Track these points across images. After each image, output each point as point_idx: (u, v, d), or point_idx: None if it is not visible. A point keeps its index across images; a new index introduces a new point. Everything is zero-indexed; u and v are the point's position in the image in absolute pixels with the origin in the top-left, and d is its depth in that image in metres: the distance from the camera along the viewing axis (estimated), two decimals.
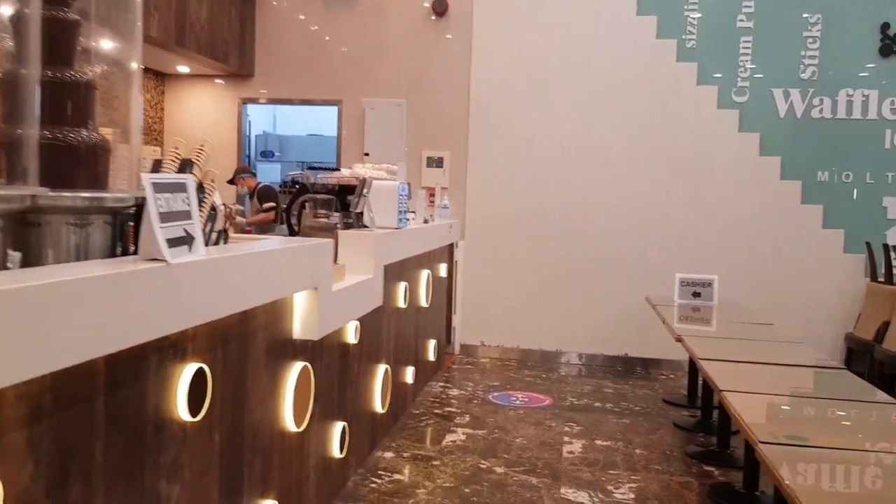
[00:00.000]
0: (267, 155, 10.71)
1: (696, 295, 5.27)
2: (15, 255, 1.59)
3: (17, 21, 1.64)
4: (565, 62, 6.46)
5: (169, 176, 1.78)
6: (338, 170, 4.53)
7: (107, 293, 1.45)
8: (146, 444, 1.74)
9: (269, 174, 9.45)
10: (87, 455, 1.52)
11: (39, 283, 1.28)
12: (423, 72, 6.88)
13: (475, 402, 5.09)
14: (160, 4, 5.60)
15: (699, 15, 6.29)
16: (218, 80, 7.38)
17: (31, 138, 1.51)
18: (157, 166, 2.13)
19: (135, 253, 1.97)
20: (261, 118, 10.19)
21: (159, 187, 1.67)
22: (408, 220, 4.41)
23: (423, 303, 5.05)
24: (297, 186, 4.05)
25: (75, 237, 1.80)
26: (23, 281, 1.27)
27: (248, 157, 8.22)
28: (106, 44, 1.95)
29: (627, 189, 6.38)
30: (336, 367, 3.21)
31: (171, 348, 1.82)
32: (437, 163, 6.90)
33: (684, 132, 6.31)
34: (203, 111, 7.41)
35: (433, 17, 6.83)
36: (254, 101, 7.62)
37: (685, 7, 6.30)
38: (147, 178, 1.64)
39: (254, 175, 7.24)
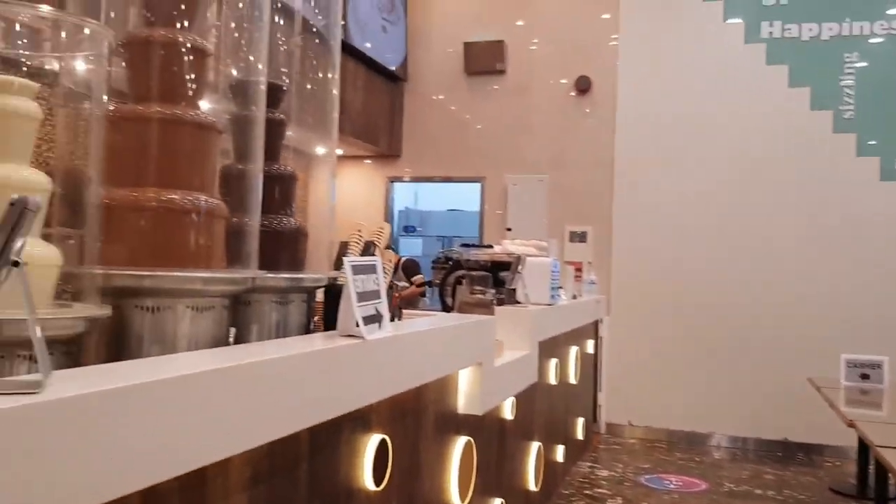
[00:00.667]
0: (409, 230, 11.10)
1: (865, 377, 4.95)
2: (231, 331, 1.76)
3: (238, 122, 1.85)
4: (713, 136, 6.39)
5: (363, 259, 1.92)
6: (488, 246, 4.65)
7: (317, 368, 1.57)
8: None
9: (412, 248, 9.78)
10: None
11: (266, 358, 1.42)
12: (566, 147, 6.99)
13: (626, 484, 4.95)
14: None
15: (853, 82, 6.09)
16: (367, 161, 7.78)
17: (252, 226, 1.69)
18: (343, 248, 2.29)
19: (317, 328, 2.12)
20: (404, 195, 10.63)
21: (356, 269, 1.81)
22: (559, 295, 4.44)
23: (572, 380, 5.01)
24: (451, 262, 4.18)
25: (277, 314, 1.97)
26: (251, 357, 1.41)
27: (392, 232, 8.56)
28: (304, 138, 2.15)
29: (783, 263, 6.14)
30: (494, 443, 3.24)
31: (360, 420, 1.92)
32: (580, 237, 6.92)
33: (845, 205, 6.04)
34: (354, 190, 7.82)
35: (575, 94, 6.96)
36: (399, 179, 7.97)
37: (840, 76, 6.12)
38: (347, 262, 1.78)
39: (394, 250, 7.52)
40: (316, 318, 2.14)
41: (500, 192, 7.34)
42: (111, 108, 1.51)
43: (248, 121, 1.79)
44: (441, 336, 2.37)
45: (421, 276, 6.68)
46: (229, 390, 1.29)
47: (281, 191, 1.99)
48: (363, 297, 1.82)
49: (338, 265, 2.17)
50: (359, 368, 1.75)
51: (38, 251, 1.27)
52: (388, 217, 7.99)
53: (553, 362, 4.34)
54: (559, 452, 4.61)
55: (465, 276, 3.80)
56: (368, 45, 6.68)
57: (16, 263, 0.94)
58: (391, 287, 2.47)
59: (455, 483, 2.65)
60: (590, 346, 5.79)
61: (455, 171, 7.64)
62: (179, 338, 1.56)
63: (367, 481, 1.95)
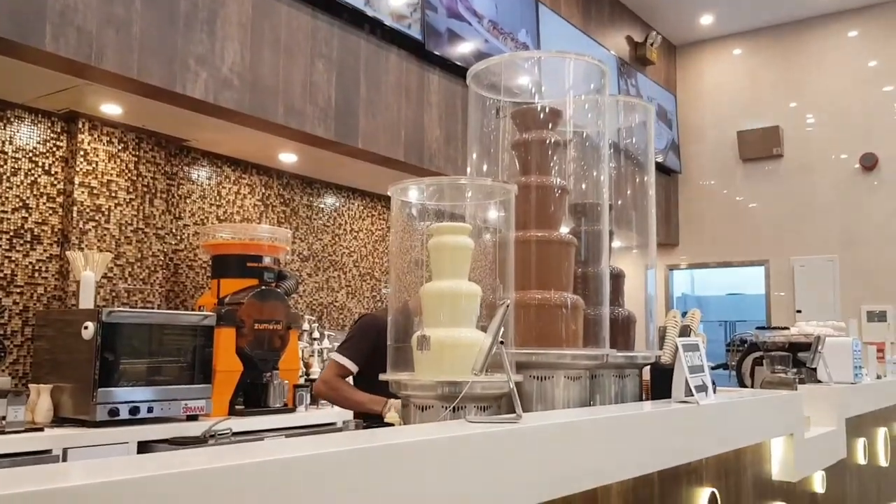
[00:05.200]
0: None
1: None
2: (597, 397, 2.28)
3: (582, 235, 2.42)
4: None
5: (689, 339, 2.36)
6: (784, 328, 4.79)
7: (662, 424, 2.02)
8: None
9: None
10: None
11: (633, 413, 1.91)
12: (855, 225, 6.85)
13: None
14: None
15: None
16: None
17: (602, 315, 2.22)
18: (663, 331, 2.75)
19: (647, 398, 2.56)
20: (681, 281, 10.80)
21: (686, 347, 2.25)
22: (862, 375, 4.45)
23: (883, 461, 4.87)
24: (746, 344, 4.42)
25: (615, 386, 2.45)
26: (622, 412, 1.90)
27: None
28: (627, 242, 2.67)
29: None
30: None
31: (693, 473, 2.32)
32: (878, 317, 6.67)
33: None
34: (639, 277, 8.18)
35: (860, 170, 6.85)
36: (677, 266, 8.23)
37: None
38: (679, 342, 2.23)
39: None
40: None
41: (784, 274, 7.32)
42: (505, 235, 2.15)
43: (591, 234, 2.34)
44: (757, 406, 2.70)
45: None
46: (607, 434, 1.79)
47: (613, 286, 2.51)
48: (693, 370, 2.25)
49: (660, 346, 2.62)
50: (693, 427, 2.17)
51: (476, 335, 1.89)
52: (670, 304, 8.24)
53: (861, 441, 4.32)
54: None
55: (764, 357, 4.03)
56: None
57: (502, 343, 1.53)
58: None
59: None
60: None
61: (734, 255, 7.76)
62: (557, 399, 2.10)
63: None
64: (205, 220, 4.75)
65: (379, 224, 6.09)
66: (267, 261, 4.37)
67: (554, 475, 1.56)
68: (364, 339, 3.12)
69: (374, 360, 3.12)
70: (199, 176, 4.76)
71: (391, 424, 2.52)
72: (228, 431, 3.65)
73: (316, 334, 5.01)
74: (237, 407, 4.08)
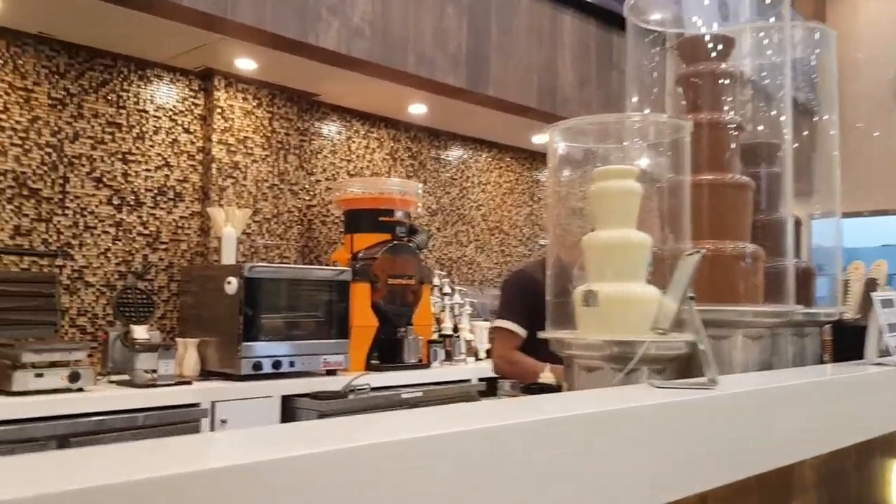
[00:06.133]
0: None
1: None
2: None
3: (761, 179, 2.16)
4: None
5: (887, 294, 2.08)
6: None
7: (857, 390, 1.78)
8: None
9: None
10: None
11: (825, 378, 1.68)
12: None
13: None
14: None
15: None
16: None
17: (785, 267, 1.98)
18: (845, 285, 2.46)
19: (827, 360, 2.30)
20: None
21: (884, 303, 1.98)
22: None
23: None
24: None
25: (793, 347, 2.21)
26: (811, 377, 1.68)
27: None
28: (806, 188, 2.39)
29: None
30: None
31: (888, 444, 2.06)
32: None
33: None
34: None
35: None
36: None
37: None
38: (875, 296, 1.97)
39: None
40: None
41: None
42: (677, 179, 1.93)
43: (770, 177, 2.09)
44: None
45: None
46: (814, 401, 1.58)
47: (793, 235, 2.25)
48: (891, 328, 1.98)
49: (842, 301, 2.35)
50: (891, 393, 1.91)
51: (649, 290, 1.70)
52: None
53: None
54: None
55: None
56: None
57: (692, 298, 1.35)
58: None
59: None
60: None
61: (890, 203, 7.13)
62: (735, 361, 1.89)
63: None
64: (336, 176, 4.73)
65: (507, 176, 5.92)
66: (398, 215, 4.30)
67: (752, 449, 1.37)
68: (521, 298, 2.96)
69: (533, 321, 2.98)
70: (329, 131, 4.73)
71: (549, 386, 2.39)
72: (367, 387, 3.64)
73: (447, 289, 4.93)
74: (373, 362, 4.06)
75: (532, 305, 2.96)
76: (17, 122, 3.46)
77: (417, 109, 4.82)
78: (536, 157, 6.09)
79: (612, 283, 1.70)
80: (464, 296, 4.97)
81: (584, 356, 1.72)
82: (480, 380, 4.29)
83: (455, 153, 5.54)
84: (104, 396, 2.97)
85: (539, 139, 5.52)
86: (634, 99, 2.22)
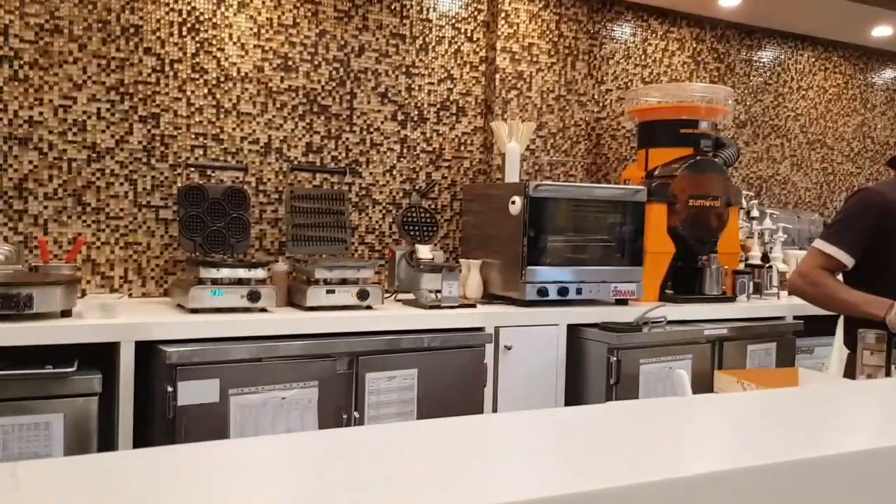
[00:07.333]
0: None
1: None
2: None
3: None
4: None
5: None
6: None
7: None
8: None
9: None
10: None
11: None
12: None
13: None
14: None
15: None
16: None
17: None
18: None
19: None
20: None
21: None
22: None
23: None
24: None
25: None
26: None
27: None
28: None
29: None
30: None
31: None
32: None
33: None
34: None
35: None
36: None
37: None
38: None
39: None
40: None
41: None
42: None
43: None
44: None
45: None
46: None
47: None
48: None
49: None
50: None
51: None
52: None
53: None
54: None
55: None
56: None
57: None
58: None
59: None
60: None
61: None
62: None
63: None
64: (629, 84, 4.24)
65: (833, 80, 4.97)
66: (703, 126, 3.72)
67: None
68: (862, 219, 2.36)
69: (873, 250, 2.37)
70: (622, 33, 4.22)
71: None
72: (663, 319, 3.24)
73: (755, 213, 4.27)
74: (667, 292, 3.61)
75: (877, 233, 2.33)
76: (307, 36, 3.44)
77: (727, 1, 4.12)
78: (873, 56, 5.05)
79: None
80: (776, 220, 4.27)
81: None
82: (796, 318, 3.65)
83: (770, 53, 4.74)
84: (391, 315, 2.91)
85: (881, 31, 4.52)
86: None
